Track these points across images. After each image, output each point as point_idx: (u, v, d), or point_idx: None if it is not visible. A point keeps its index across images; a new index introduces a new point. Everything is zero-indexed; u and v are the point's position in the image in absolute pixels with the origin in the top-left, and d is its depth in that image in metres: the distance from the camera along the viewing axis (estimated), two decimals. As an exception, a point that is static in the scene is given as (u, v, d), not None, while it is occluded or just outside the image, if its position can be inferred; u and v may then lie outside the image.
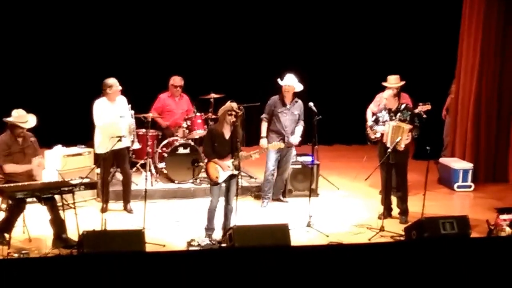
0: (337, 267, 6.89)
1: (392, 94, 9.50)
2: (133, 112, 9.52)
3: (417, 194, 9.92)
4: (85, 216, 9.05)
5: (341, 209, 10.17)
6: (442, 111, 12.71)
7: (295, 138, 10.04)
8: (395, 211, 9.70)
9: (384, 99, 9.61)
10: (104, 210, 9.52)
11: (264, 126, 10.10)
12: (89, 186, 8.69)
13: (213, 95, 11.11)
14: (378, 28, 13.87)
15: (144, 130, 10.54)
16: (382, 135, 9.45)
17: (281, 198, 10.46)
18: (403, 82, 10.35)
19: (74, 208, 8.33)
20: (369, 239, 8.79)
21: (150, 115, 10.54)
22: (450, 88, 12.60)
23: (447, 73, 12.71)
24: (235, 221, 8.47)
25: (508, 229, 8.70)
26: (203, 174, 10.22)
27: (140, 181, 10.17)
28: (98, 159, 9.60)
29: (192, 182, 10.59)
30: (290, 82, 9.95)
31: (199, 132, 10.72)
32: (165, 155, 10.53)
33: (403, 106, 9.48)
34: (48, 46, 12.45)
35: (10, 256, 7.72)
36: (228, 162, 8.55)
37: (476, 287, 7.08)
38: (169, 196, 10.37)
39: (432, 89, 12.58)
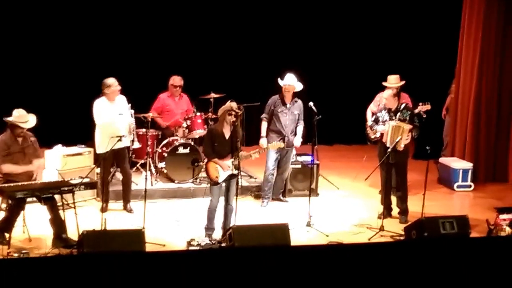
0: (337, 267, 6.88)
1: (392, 94, 9.50)
2: (133, 111, 9.53)
3: (417, 193, 9.92)
4: (85, 215, 9.05)
5: (341, 208, 10.18)
6: (442, 111, 12.71)
7: (298, 141, 10.05)
8: (395, 210, 9.71)
9: (384, 99, 9.61)
10: (104, 209, 9.52)
11: (264, 125, 10.10)
12: (89, 185, 8.69)
13: (213, 95, 11.11)
14: (378, 28, 13.87)
15: (144, 130, 10.55)
16: (382, 135, 9.45)
17: (281, 197, 10.46)
18: (403, 82, 10.36)
19: (74, 207, 8.33)
20: (369, 239, 8.79)
21: (150, 114, 10.54)
22: (450, 88, 12.61)
23: (447, 73, 12.71)
24: (235, 220, 8.47)
25: (508, 229, 8.70)
26: (203, 174, 10.22)
27: (140, 180, 10.18)
28: (98, 159, 9.60)
29: (192, 182, 10.59)
30: (291, 82, 9.96)
31: (199, 132, 10.72)
32: (165, 154, 10.53)
33: (402, 106, 9.48)
34: (48, 46, 12.45)
35: (10, 255, 7.73)
36: (228, 162, 8.55)
37: (476, 287, 7.09)
38: (169, 196, 10.37)
39: (432, 89, 12.58)
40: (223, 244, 8.03)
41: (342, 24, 13.83)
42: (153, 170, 10.59)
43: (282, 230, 7.78)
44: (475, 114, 11.90)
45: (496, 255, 7.21)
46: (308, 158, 10.33)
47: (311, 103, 9.62)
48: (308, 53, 13.61)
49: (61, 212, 8.33)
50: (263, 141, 10.01)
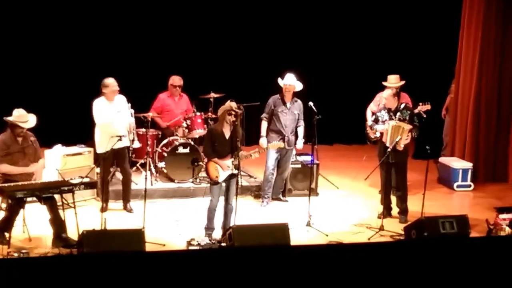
0: (336, 267, 6.89)
1: (391, 94, 9.50)
2: (133, 111, 9.53)
3: (416, 193, 9.92)
4: (85, 215, 9.05)
5: (341, 208, 10.18)
6: (442, 111, 12.71)
7: (300, 143, 10.05)
8: (395, 210, 9.71)
9: (383, 99, 9.61)
10: (104, 209, 9.51)
11: (264, 125, 10.10)
12: (89, 185, 8.69)
13: (213, 95, 11.12)
14: (378, 28, 13.87)
15: (144, 129, 10.56)
16: (381, 134, 9.46)
17: (281, 197, 10.46)
18: (403, 82, 10.36)
19: (74, 207, 8.33)
20: (369, 239, 8.79)
21: (150, 114, 10.55)
22: (450, 88, 12.61)
23: (447, 72, 12.71)
24: (235, 220, 8.48)
25: (507, 229, 8.71)
26: (203, 174, 10.22)
27: (140, 180, 10.17)
28: (98, 159, 9.60)
29: (192, 182, 10.60)
30: (291, 82, 9.96)
31: (199, 132, 10.72)
32: (165, 154, 10.53)
33: (402, 106, 9.48)
34: (48, 46, 12.44)
35: (10, 255, 7.74)
36: (228, 162, 8.55)
37: (476, 287, 7.09)
38: (169, 196, 10.37)
39: (432, 89, 12.58)
40: (223, 244, 8.02)
41: (342, 24, 13.82)
42: (153, 169, 10.59)
43: (282, 230, 7.78)
44: (475, 114, 11.90)
45: (496, 255, 7.22)
46: (308, 158, 10.33)
47: (311, 103, 9.62)
48: (308, 53, 13.60)
49: (61, 211, 8.34)
50: (263, 141, 10.01)
